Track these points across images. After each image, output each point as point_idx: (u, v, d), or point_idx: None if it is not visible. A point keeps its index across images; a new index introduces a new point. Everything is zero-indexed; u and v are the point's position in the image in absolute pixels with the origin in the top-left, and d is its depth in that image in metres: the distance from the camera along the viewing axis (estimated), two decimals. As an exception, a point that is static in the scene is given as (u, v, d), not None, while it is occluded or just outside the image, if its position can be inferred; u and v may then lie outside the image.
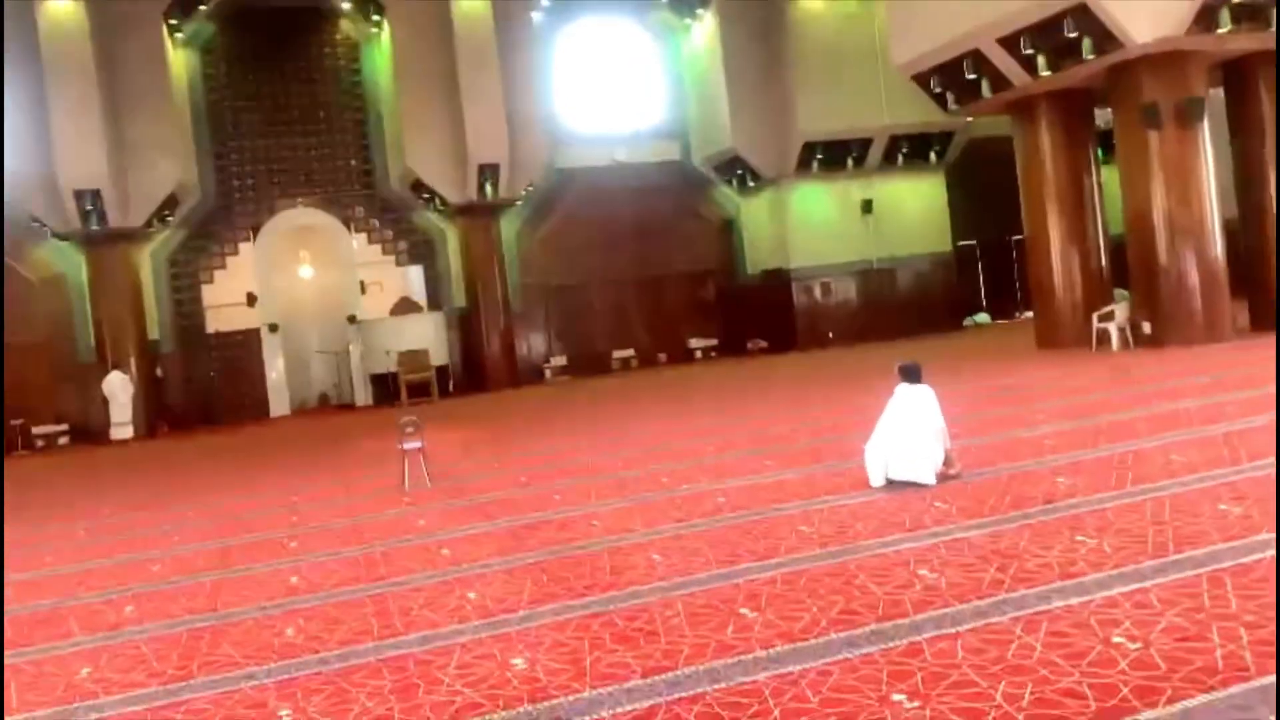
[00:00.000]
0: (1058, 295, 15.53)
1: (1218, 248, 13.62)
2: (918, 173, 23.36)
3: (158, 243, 20.74)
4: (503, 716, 3.43)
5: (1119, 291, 14.88)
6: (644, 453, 9.46)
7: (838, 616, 4.03)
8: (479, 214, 21.68)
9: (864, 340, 22.05)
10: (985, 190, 24.24)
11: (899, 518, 5.64)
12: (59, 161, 18.07)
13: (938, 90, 15.97)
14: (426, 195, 21.71)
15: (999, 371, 13.27)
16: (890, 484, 6.48)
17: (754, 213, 23.96)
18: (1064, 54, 13.60)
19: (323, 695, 3.83)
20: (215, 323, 21.21)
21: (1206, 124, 13.48)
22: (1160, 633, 3.47)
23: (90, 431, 19.37)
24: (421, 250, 22.59)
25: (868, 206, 22.85)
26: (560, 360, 23.01)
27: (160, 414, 19.87)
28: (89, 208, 18.34)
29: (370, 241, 22.31)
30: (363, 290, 21.80)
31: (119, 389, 18.25)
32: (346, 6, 21.65)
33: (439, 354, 20.90)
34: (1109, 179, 16.21)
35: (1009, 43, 14.07)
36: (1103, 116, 16.31)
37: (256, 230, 21.48)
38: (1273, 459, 5.92)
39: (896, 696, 3.19)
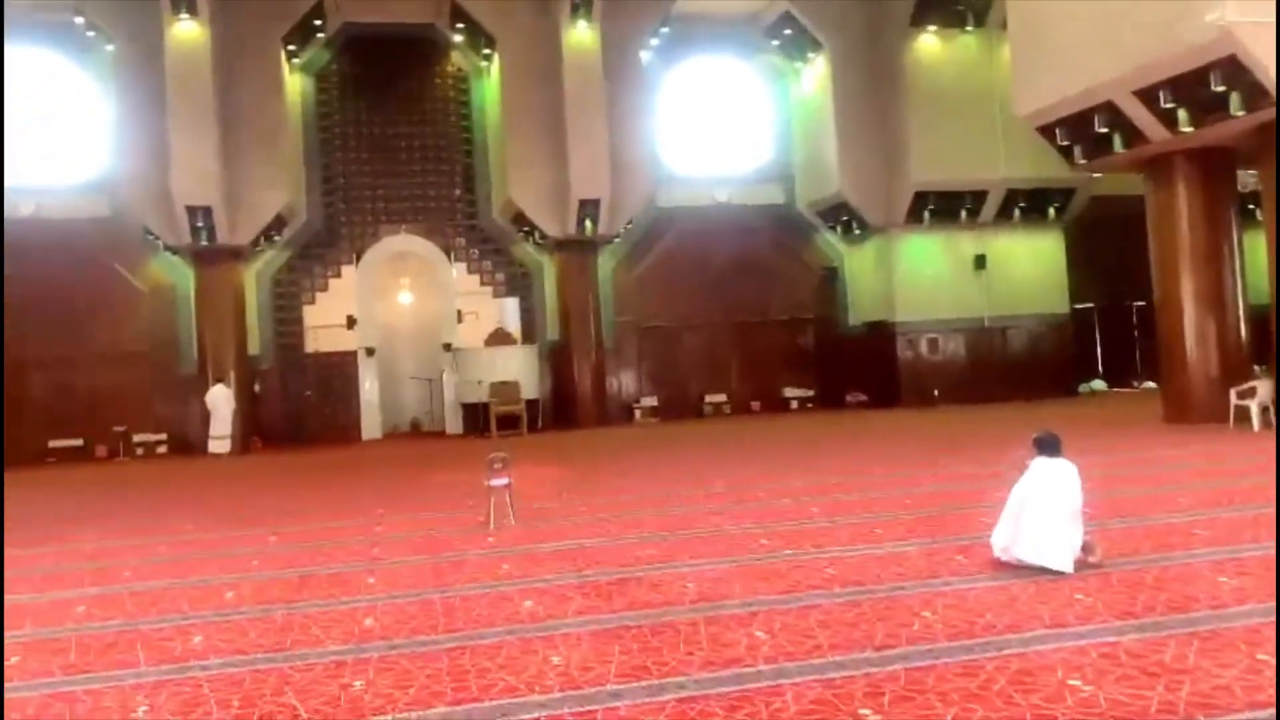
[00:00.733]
0: (1190, 366, 14.47)
1: (1376, 323, 12.48)
2: (1035, 229, 22.40)
3: (263, 262, 21.15)
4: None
5: (1259, 368, 13.76)
6: (740, 508, 8.91)
7: (983, 733, 3.44)
8: (577, 249, 21.55)
9: (971, 401, 21.06)
10: (1106, 251, 23.17)
11: (1036, 610, 4.99)
12: (174, 177, 18.57)
13: (1064, 143, 15.14)
14: (526, 228, 21.70)
15: (1125, 445, 12.30)
16: (1018, 567, 5.82)
17: (859, 261, 23.28)
18: (1208, 109, 12.71)
19: (387, 773, 3.40)
20: (314, 343, 21.47)
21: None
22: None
23: (188, 442, 19.70)
24: (518, 282, 22.56)
25: (980, 262, 21.95)
26: (651, 401, 22.61)
27: (255, 430, 20.09)
28: (199, 224, 18.78)
29: (469, 271, 22.38)
30: (459, 319, 21.83)
31: (222, 402, 18.51)
32: (459, 39, 21.92)
33: (530, 387, 20.72)
34: (1250, 245, 15.15)
35: (1147, 95, 13.24)
36: (1244, 177, 15.30)
37: (360, 255, 21.74)
38: None
39: None
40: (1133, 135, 13.96)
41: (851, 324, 23.44)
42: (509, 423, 19.97)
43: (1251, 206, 17.18)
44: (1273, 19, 11.10)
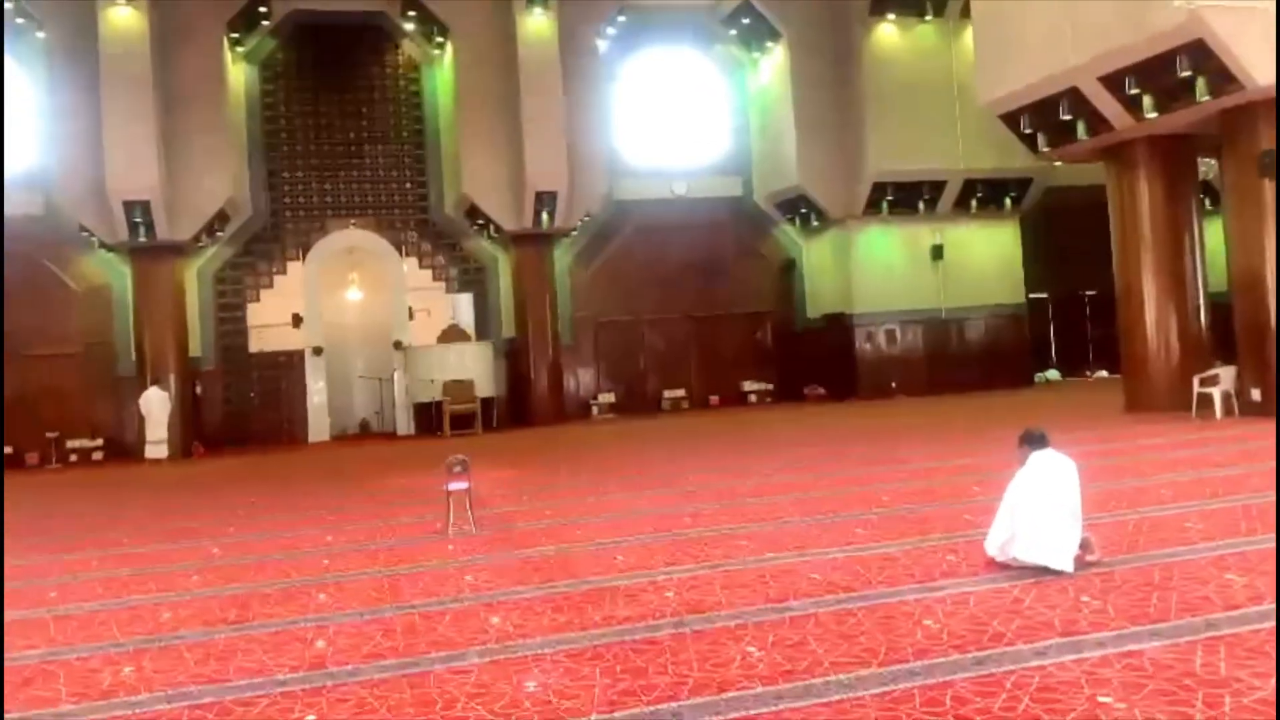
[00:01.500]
0: (1151, 356, 14.43)
1: (1339, 310, 12.47)
2: (992, 219, 22.37)
3: (205, 258, 20.33)
4: None
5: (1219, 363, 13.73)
6: (713, 507, 8.52)
7: (1021, 765, 3.08)
8: (533, 243, 21.05)
9: (929, 392, 20.99)
10: (1060, 241, 23.29)
11: (1044, 616, 4.65)
12: (110, 170, 17.72)
13: (1028, 131, 15.00)
14: (481, 222, 21.14)
15: (1092, 436, 12.14)
16: (1015, 567, 5.52)
17: (817, 254, 23.08)
18: (1174, 95, 12.62)
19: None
20: (258, 343, 20.71)
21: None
22: None
23: (126, 447, 18.87)
24: (472, 278, 21.98)
25: (938, 252, 21.87)
26: (608, 397, 22.19)
27: (197, 434, 19.29)
28: (137, 219, 17.94)
29: (421, 266, 21.76)
30: (410, 316, 21.22)
31: (156, 406, 17.67)
32: (410, 27, 21.29)
33: (485, 385, 20.18)
34: (1210, 233, 15.14)
35: (1112, 81, 13.13)
36: (1203, 166, 15.30)
37: (306, 250, 21.01)
38: None
39: None
40: (1097, 122, 13.85)
41: (810, 316, 23.25)
42: (463, 422, 19.43)
43: (1204, 196, 17.25)
44: (1239, 4, 10.99)
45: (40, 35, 18.67)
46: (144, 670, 4.75)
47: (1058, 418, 15.09)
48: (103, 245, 18.91)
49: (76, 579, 7.21)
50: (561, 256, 21.94)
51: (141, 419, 17.87)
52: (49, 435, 18.68)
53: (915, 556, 6.10)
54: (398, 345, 21.09)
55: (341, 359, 21.74)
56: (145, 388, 18.08)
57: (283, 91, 21.23)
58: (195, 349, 19.89)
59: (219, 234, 19.97)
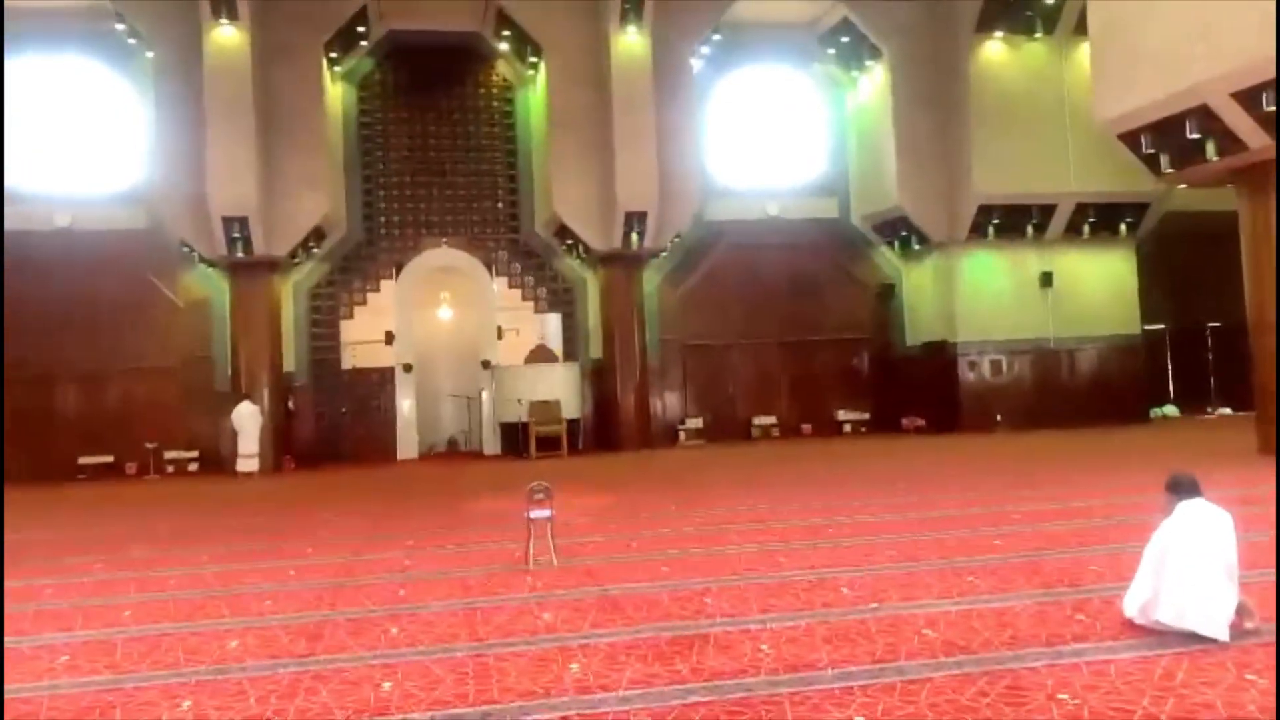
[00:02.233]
0: (1289, 394, 13.25)
1: None
2: (1105, 246, 21.25)
3: (301, 274, 20.62)
4: None
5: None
6: (808, 548, 7.97)
7: None
8: (622, 264, 20.77)
9: (1036, 426, 19.94)
10: (1180, 270, 22.06)
11: (1203, 695, 4.01)
12: (211, 186, 18.10)
13: (1149, 152, 14.05)
14: (570, 242, 20.98)
15: (1228, 480, 11.11)
16: (1159, 632, 4.85)
17: (917, 279, 22.24)
18: (1317, 112, 11.61)
19: None
20: (351, 359, 20.85)
21: None
22: None
23: (220, 459, 19.15)
24: (561, 298, 21.82)
25: (1047, 279, 20.83)
26: (696, 423, 21.71)
27: (288, 449, 19.48)
28: (236, 235, 18.26)
29: (510, 286, 21.70)
30: (499, 335, 21.15)
31: (248, 420, 17.89)
32: (504, 47, 21.32)
33: (571, 407, 19.92)
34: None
35: (1247, 98, 12.16)
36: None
37: (399, 268, 21.15)
38: None
39: None
40: (1228, 142, 12.86)
41: (909, 344, 22.40)
42: (549, 444, 19.18)
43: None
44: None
45: (149, 55, 19.24)
46: (202, 705, 4.47)
47: (1184, 459, 14.04)
48: (203, 260, 19.33)
49: (151, 598, 7.05)
50: (650, 277, 21.62)
51: (234, 432, 18.11)
52: (148, 446, 19.09)
53: (1039, 614, 5.46)
54: (486, 364, 21.03)
55: (431, 377, 21.80)
56: (239, 402, 18.33)
57: (379, 111, 21.50)
58: (289, 364, 20.16)
59: (315, 251, 20.25)
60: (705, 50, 21.68)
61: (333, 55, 20.29)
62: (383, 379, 20.96)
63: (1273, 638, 4.75)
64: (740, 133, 22.74)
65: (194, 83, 18.33)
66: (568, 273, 21.83)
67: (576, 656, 5.02)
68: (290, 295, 20.49)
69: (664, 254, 21.40)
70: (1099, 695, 4.08)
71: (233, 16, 18.12)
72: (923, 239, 21.28)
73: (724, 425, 21.77)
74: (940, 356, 21.20)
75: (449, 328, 22.26)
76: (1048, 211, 20.55)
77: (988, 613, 5.52)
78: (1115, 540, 7.59)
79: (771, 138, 22.88)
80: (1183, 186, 17.10)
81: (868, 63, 21.78)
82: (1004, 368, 21.05)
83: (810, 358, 22.40)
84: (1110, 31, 14.19)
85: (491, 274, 21.54)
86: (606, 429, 20.83)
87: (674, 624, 5.59)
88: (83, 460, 19.03)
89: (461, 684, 4.64)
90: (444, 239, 21.46)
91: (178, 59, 18.72)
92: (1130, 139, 14.26)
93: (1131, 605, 5.12)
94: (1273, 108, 12.02)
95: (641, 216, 19.90)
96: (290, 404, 20.02)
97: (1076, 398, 20.93)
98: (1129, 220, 20.93)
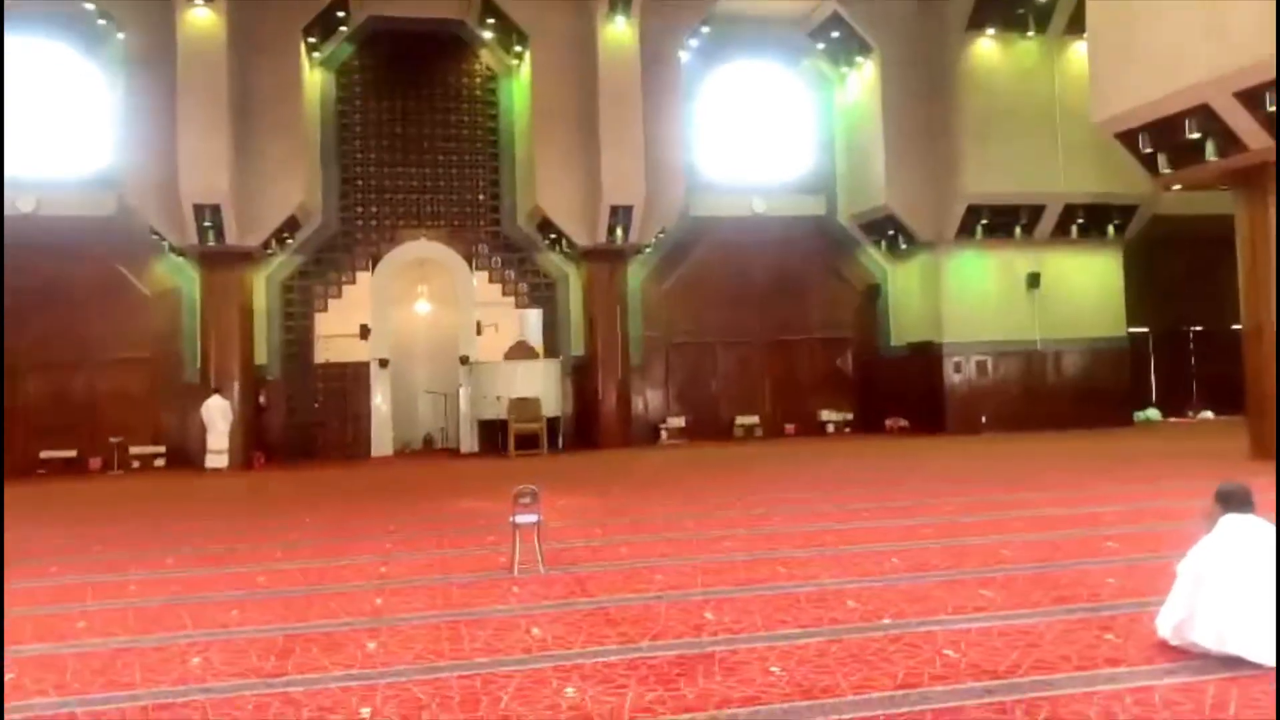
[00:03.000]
0: (1284, 398, 13.06)
1: None
2: (1093, 248, 21.07)
3: (274, 266, 20.04)
4: None
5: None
6: (807, 554, 7.60)
7: None
8: (605, 259, 20.36)
9: (1022, 428, 19.76)
10: (1166, 273, 21.98)
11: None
12: (182, 173, 17.49)
13: (1147, 151, 13.82)
14: (553, 236, 20.53)
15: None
16: (1198, 655, 4.52)
17: (904, 278, 21.97)
18: (1322, 113, 11.39)
19: None
20: (325, 353, 20.30)
21: None
22: None
23: (188, 455, 18.56)
24: (542, 293, 21.35)
25: (1034, 280, 20.62)
26: (678, 421, 21.33)
27: (259, 444, 18.91)
28: (207, 223, 17.68)
29: (490, 280, 21.21)
30: (478, 331, 20.66)
31: (218, 415, 17.32)
32: (488, 35, 20.84)
33: (551, 404, 19.48)
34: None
35: (1250, 97, 11.93)
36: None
37: (376, 260, 20.61)
38: None
39: None
40: (1228, 143, 12.64)
41: (894, 344, 22.14)
42: (528, 442, 18.75)
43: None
44: None
45: (120, 37, 18.61)
46: (159, 733, 4.03)
47: (1175, 463, 13.86)
48: (173, 249, 18.72)
49: (107, 606, 6.57)
50: (634, 274, 21.22)
51: (203, 427, 17.51)
52: (113, 440, 18.44)
53: (1064, 632, 5.12)
54: (464, 360, 20.55)
55: (407, 372, 21.28)
56: (209, 395, 17.75)
57: (358, 99, 20.92)
58: (261, 357, 19.59)
59: (289, 241, 19.69)
60: (694, 43, 21.31)
61: (311, 41, 19.71)
62: (357, 374, 20.40)
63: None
64: (727, 128, 22.36)
65: (167, 66, 17.71)
66: (549, 267, 21.38)
67: (572, 678, 4.62)
68: (263, 287, 19.90)
69: (648, 249, 21.01)
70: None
71: (208, -3, 17.55)
72: (910, 238, 21.01)
73: (706, 424, 21.41)
74: (926, 357, 20.95)
75: (426, 322, 21.75)
76: (1036, 212, 20.34)
77: (1010, 631, 5.17)
78: (1131, 550, 7.29)
79: (759, 133, 22.51)
80: (1177, 188, 16.90)
81: (857, 59, 21.47)
82: (990, 369, 20.82)
83: (794, 357, 22.08)
84: (1108, 29, 13.94)
85: (471, 267, 21.05)
86: (587, 427, 20.41)
87: (674, 641, 5.21)
88: (44, 454, 18.36)
89: (448, 709, 4.23)
90: (423, 231, 20.94)
91: (150, 41, 18.09)
92: (1127, 139, 14.04)
93: (1165, 625, 4.80)
94: (1275, 107, 11.80)
95: (627, 211, 19.49)
96: (261, 398, 19.44)
97: (1062, 400, 20.76)
98: (1117, 222, 20.75)
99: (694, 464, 16.46)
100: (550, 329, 21.03)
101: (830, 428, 21.82)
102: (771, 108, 22.66)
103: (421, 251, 20.95)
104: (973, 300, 20.72)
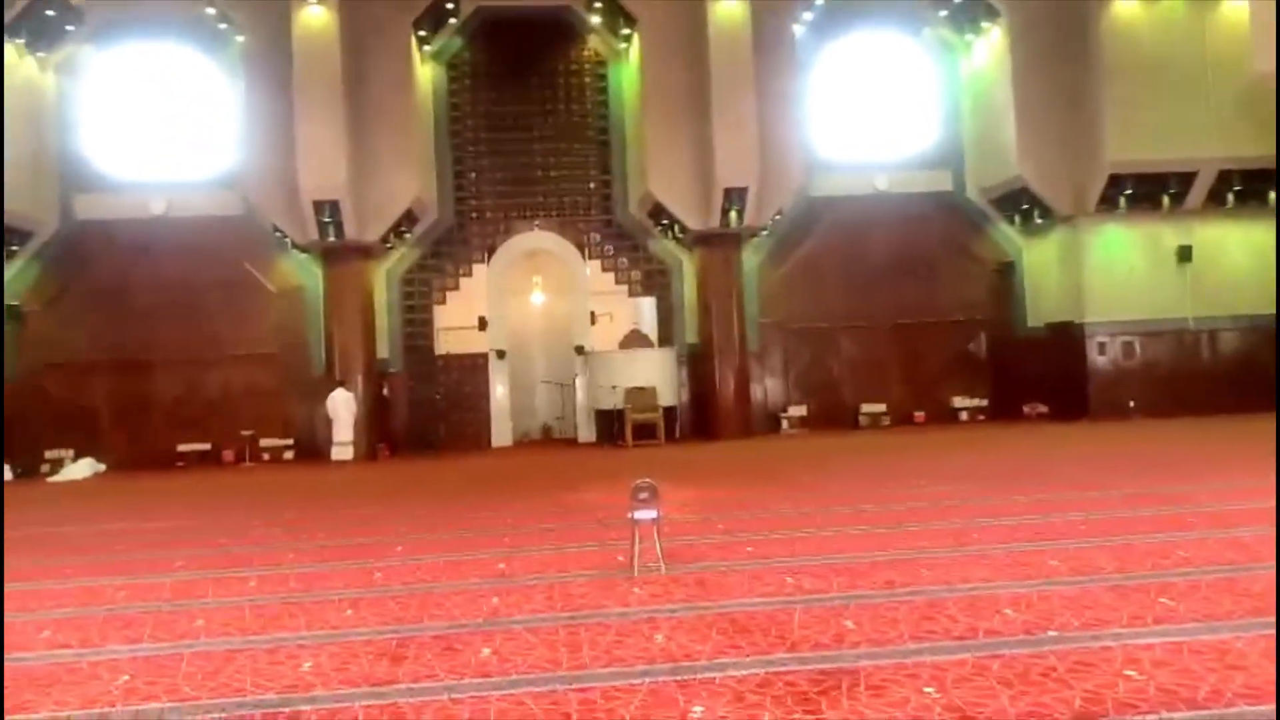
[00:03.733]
0: None
1: None
2: (1251, 217, 19.38)
3: (394, 260, 20.30)
4: None
5: None
6: (950, 554, 6.97)
7: None
8: (720, 244, 19.86)
9: (1173, 413, 18.39)
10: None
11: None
12: (301, 171, 17.83)
13: (1320, 104, 12.47)
14: (665, 222, 20.16)
15: None
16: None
17: (1040, 255, 20.73)
18: None
19: None
20: (444, 345, 20.46)
21: None
22: None
23: (315, 447, 18.98)
24: (655, 281, 21.02)
25: (1185, 254, 19.15)
26: (799, 410, 20.69)
27: (382, 436, 19.20)
28: (326, 219, 17.99)
29: (604, 269, 21.00)
30: (593, 320, 20.46)
31: (342, 407, 17.62)
32: (596, 20, 20.56)
33: (667, 393, 19.15)
34: None
35: None
36: None
37: (491, 252, 20.65)
38: None
39: None
40: None
41: (1030, 325, 20.92)
42: (645, 432, 18.46)
43: None
44: None
45: (240, 39, 19.07)
46: (262, 750, 3.78)
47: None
48: (295, 246, 19.13)
49: (226, 605, 6.47)
50: (750, 258, 20.64)
51: (329, 420, 17.84)
52: (244, 434, 19.02)
53: (1268, 650, 4.37)
54: (579, 350, 20.39)
55: (524, 363, 21.30)
56: (334, 388, 18.07)
57: (469, 91, 20.98)
58: (383, 351, 19.88)
59: (406, 235, 19.91)
60: (808, 16, 20.56)
61: (422, 34, 19.83)
62: (476, 365, 20.52)
63: None
64: (846, 103, 21.52)
65: (284, 66, 18.11)
66: (662, 254, 21.01)
67: (699, 695, 4.19)
68: (383, 281, 20.19)
69: (764, 233, 20.41)
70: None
71: (322, -3, 17.79)
72: (1046, 212, 19.76)
73: (829, 413, 20.69)
74: (1066, 339, 19.70)
75: (541, 312, 21.70)
76: (1187, 180, 18.85)
77: (1202, 648, 4.47)
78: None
79: (879, 107, 21.60)
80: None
81: (984, 24, 20.30)
82: (1137, 350, 19.43)
83: (922, 341, 21.10)
84: (1275, -29, 12.62)
85: (584, 257, 20.88)
86: (705, 417, 19.99)
87: (811, 655, 4.70)
88: (181, 448, 19.09)
89: (565, 731, 3.85)
90: (535, 222, 20.86)
91: (267, 42, 18.50)
92: (1296, 91, 12.69)
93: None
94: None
95: (741, 193, 18.92)
96: (385, 391, 19.74)
97: (1217, 383, 19.25)
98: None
99: (819, 454, 15.83)
100: (665, 317, 20.69)
101: (963, 415, 20.79)
102: (892, 80, 21.72)
103: (534, 242, 20.89)
104: (1117, 277, 19.38)
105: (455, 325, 20.41)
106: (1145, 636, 4.71)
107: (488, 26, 20.80)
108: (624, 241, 21.07)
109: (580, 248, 20.88)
